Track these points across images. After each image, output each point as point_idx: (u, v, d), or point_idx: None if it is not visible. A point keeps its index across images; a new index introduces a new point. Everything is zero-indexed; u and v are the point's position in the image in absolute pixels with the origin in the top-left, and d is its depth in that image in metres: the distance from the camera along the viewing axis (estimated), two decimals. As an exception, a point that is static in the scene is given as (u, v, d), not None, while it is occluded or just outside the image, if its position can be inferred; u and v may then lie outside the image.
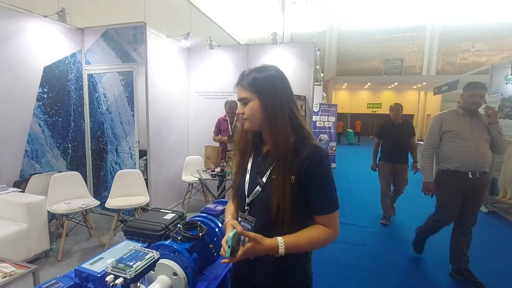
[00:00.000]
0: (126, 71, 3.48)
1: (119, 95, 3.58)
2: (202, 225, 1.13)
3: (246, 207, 0.94)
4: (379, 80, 19.14)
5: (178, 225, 1.10)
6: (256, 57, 4.14)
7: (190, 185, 4.13)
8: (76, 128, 3.75)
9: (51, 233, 2.99)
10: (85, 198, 3.03)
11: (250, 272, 0.96)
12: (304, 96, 3.98)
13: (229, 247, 0.78)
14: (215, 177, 3.40)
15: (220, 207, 1.38)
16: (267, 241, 0.82)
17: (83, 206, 2.75)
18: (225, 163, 3.52)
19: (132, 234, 1.23)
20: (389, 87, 20.48)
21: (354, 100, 21.67)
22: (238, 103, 0.95)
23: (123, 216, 3.11)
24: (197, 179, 3.61)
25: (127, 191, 3.16)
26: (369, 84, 19.86)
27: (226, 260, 0.80)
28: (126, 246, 1.12)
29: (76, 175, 3.08)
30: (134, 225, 1.23)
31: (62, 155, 3.60)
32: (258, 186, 0.91)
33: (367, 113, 21.57)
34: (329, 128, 8.50)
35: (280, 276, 0.92)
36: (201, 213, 1.31)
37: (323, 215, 0.88)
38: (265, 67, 0.93)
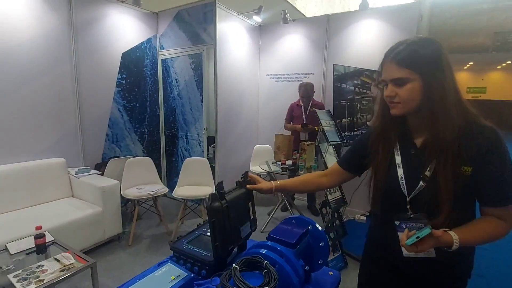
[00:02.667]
0: (195, 53, 3.30)
1: (189, 79, 3.45)
2: (270, 268, 0.69)
3: (408, 206, 0.84)
4: (486, 59, 15.38)
5: (234, 265, 0.69)
6: (338, 30, 3.46)
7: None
8: (152, 113, 3.81)
9: (125, 215, 3.09)
10: (156, 184, 3.01)
11: (405, 262, 0.83)
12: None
13: (417, 238, 0.72)
14: (285, 171, 2.96)
15: (298, 230, 0.92)
16: (443, 238, 0.74)
17: (152, 193, 2.69)
18: (297, 155, 3.05)
19: (179, 253, 0.93)
20: (499, 67, 16.34)
21: (449, 84, 18.10)
22: (388, 84, 0.81)
23: (189, 206, 2.98)
24: (265, 171, 3.26)
25: (194, 180, 3.02)
26: (470, 63, 16.21)
27: (404, 245, 0.73)
28: (167, 275, 0.79)
29: (148, 160, 3.07)
30: (182, 250, 0.94)
31: (139, 139, 3.71)
32: (421, 182, 0.81)
33: (466, 98, 17.79)
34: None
35: (442, 270, 0.86)
36: (268, 237, 0.88)
37: (500, 207, 0.77)
38: (426, 39, 0.79)
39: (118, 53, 3.27)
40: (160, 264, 0.99)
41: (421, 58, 0.75)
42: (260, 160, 3.61)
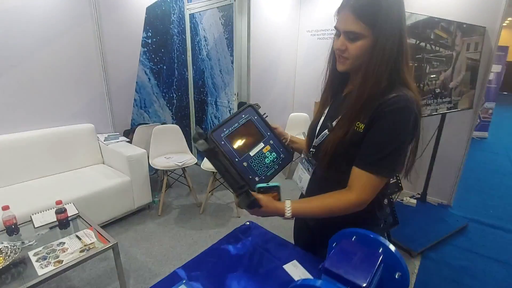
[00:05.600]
0: (225, 4, 2.86)
1: (219, 37, 3.06)
2: None
3: (311, 149, 0.88)
4: None
5: None
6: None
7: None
8: (180, 76, 3.56)
9: (156, 183, 3.04)
10: (184, 153, 2.85)
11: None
12: (484, 28, 2.44)
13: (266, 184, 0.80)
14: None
15: (368, 261, 0.62)
16: (275, 204, 0.77)
17: (180, 164, 2.54)
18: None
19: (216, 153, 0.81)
20: None
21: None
22: (341, 36, 0.72)
23: (218, 178, 2.81)
24: (302, 143, 2.93)
25: (224, 151, 2.80)
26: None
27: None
28: None
29: (176, 128, 2.89)
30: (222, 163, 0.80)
31: (168, 105, 3.53)
32: (326, 130, 0.82)
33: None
34: (488, 81, 6.00)
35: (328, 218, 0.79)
36: (324, 271, 0.59)
37: (360, 168, 0.72)
38: None
39: (142, 7, 2.95)
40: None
41: (380, 13, 0.66)
42: (297, 131, 3.27)
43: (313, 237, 0.93)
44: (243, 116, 0.92)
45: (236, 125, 0.89)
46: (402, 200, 2.73)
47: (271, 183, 0.79)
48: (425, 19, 1.92)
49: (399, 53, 0.71)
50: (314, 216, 0.79)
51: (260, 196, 0.76)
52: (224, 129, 0.88)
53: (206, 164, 2.60)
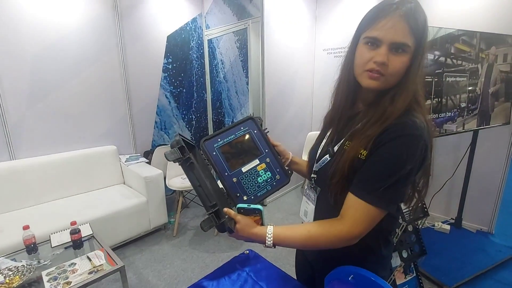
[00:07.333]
0: (240, 29, 2.95)
1: (235, 60, 3.15)
2: None
3: (312, 175, 0.81)
4: None
5: None
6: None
7: (312, 167, 3.39)
8: (199, 99, 3.67)
9: (174, 203, 3.06)
10: (201, 173, 2.87)
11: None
12: (514, 37, 2.25)
13: (248, 206, 0.73)
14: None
15: None
16: (254, 229, 0.71)
17: (195, 184, 2.55)
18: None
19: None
20: None
21: None
22: (384, 47, 0.62)
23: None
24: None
25: (240, 171, 2.78)
26: None
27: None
28: None
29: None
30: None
31: (187, 126, 3.63)
32: (327, 155, 0.76)
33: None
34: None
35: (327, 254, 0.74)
36: None
37: (357, 196, 0.64)
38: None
39: (163, 36, 3.14)
40: None
41: (425, 28, 0.62)
42: (314, 149, 3.18)
43: (313, 272, 0.85)
44: (242, 128, 0.87)
45: (232, 136, 0.85)
46: (433, 225, 2.48)
47: (252, 205, 0.73)
48: (447, 33, 1.82)
49: (423, 74, 0.67)
50: (298, 247, 0.71)
51: (238, 218, 0.71)
52: (218, 140, 0.84)
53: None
